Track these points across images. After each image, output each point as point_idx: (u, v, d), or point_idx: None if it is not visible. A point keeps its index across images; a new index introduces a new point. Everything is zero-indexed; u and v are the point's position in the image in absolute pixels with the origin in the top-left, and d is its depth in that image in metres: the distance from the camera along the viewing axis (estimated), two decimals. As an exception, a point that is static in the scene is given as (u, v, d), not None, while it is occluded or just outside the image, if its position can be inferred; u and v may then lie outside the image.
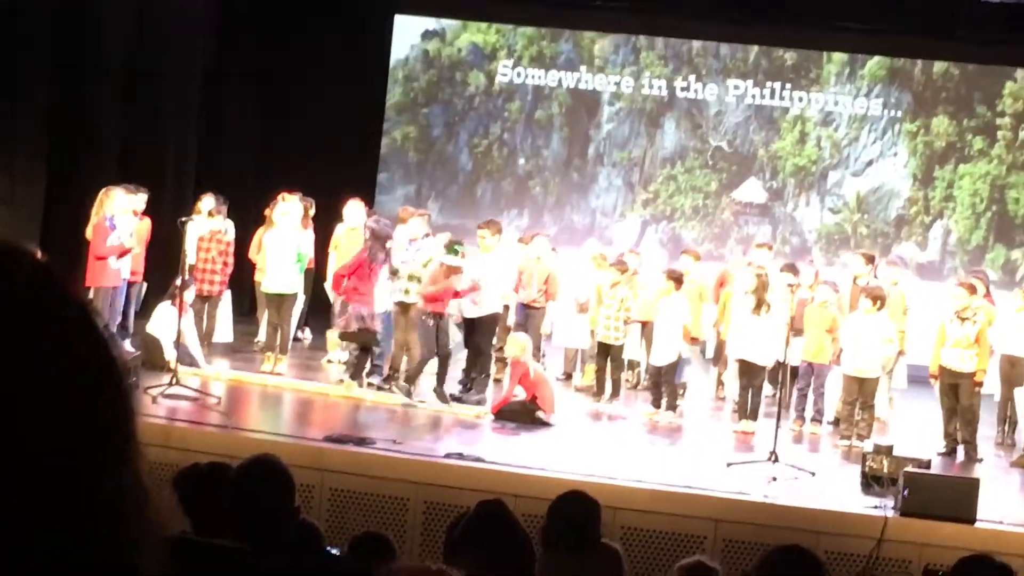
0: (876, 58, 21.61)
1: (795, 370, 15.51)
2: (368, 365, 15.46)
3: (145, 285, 16.82)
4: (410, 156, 22.85)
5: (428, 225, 16.55)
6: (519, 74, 22.57)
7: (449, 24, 22.78)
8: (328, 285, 17.26)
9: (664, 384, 15.55)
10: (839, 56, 21.64)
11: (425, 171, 22.88)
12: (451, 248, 15.38)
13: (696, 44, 22.17)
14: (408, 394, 14.97)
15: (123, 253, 15.23)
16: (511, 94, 22.58)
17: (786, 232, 21.97)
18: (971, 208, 21.43)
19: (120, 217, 15.33)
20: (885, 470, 12.36)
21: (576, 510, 7.35)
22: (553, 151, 22.64)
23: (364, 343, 15.22)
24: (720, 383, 17.34)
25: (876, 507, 11.72)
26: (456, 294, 15.20)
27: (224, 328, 17.51)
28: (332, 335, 16.78)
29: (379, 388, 15.30)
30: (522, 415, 14.38)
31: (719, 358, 17.36)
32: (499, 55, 22.57)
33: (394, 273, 15.45)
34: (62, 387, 0.81)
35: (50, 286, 0.85)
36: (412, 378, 15.10)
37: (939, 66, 21.60)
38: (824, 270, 18.78)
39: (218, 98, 20.33)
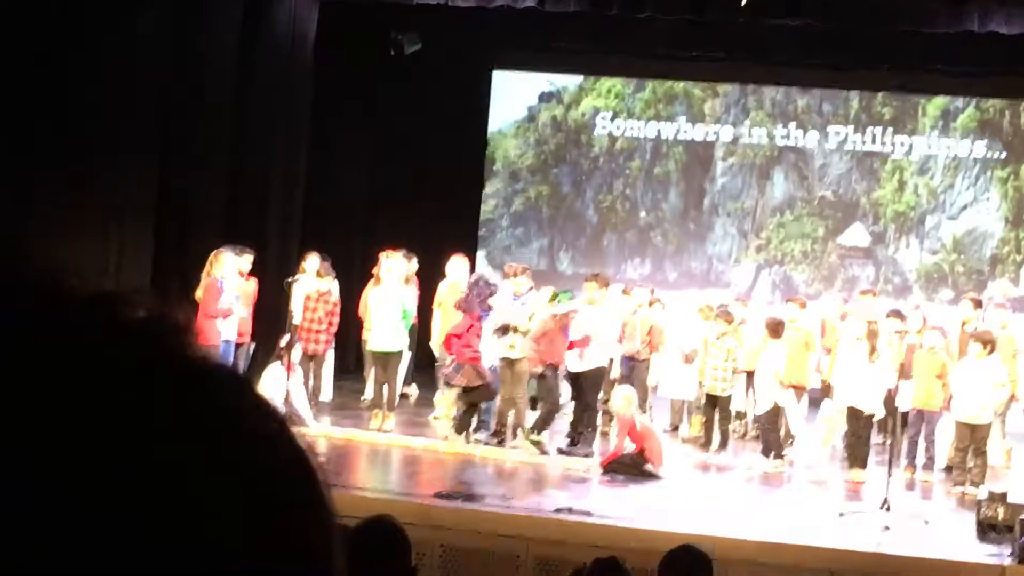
0: (968, 111, 22.26)
1: (905, 417, 15.35)
2: (475, 421, 15.51)
3: (253, 345, 16.96)
4: (543, 212, 24.10)
5: (531, 280, 16.59)
6: (637, 131, 23.50)
7: (564, 87, 23.72)
8: (434, 344, 17.39)
9: (767, 433, 15.46)
10: (933, 110, 22.25)
11: (556, 225, 24.11)
12: (555, 298, 15.44)
13: (801, 103, 22.93)
14: (541, 449, 14.97)
15: (226, 315, 15.38)
16: (631, 153, 23.64)
17: (888, 272, 22.68)
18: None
19: (228, 280, 15.51)
20: (1000, 517, 12.16)
21: (687, 565, 7.32)
22: (671, 203, 23.74)
23: (484, 399, 15.34)
24: (827, 431, 17.16)
25: (993, 555, 11.54)
26: (570, 345, 15.27)
27: (325, 386, 17.62)
28: (442, 397, 16.68)
29: (486, 443, 15.34)
30: (630, 468, 14.32)
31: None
32: (620, 117, 23.58)
33: (501, 330, 15.44)
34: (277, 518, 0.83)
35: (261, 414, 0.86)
36: (542, 428, 15.11)
37: (1027, 116, 22.28)
38: (925, 306, 19.04)
39: (321, 158, 20.52)
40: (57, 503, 0.74)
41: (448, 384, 15.88)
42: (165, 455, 0.77)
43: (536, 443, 15.01)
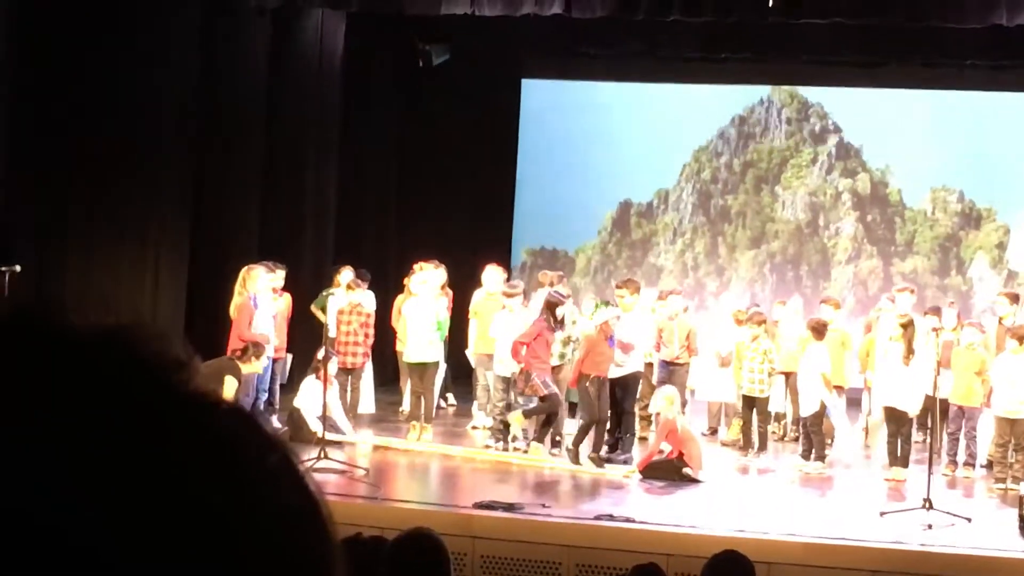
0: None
1: (945, 414, 15.27)
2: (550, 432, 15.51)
3: (290, 357, 17.02)
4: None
5: (567, 287, 16.60)
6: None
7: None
8: (470, 353, 17.36)
9: (812, 435, 15.40)
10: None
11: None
12: (597, 307, 15.35)
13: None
14: (575, 460, 14.84)
15: (264, 342, 15.41)
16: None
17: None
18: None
19: (262, 296, 15.56)
20: (1043, 513, 12.12)
21: (731, 570, 7.29)
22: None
23: (549, 410, 15.26)
24: (867, 431, 17.12)
25: (1036, 551, 11.49)
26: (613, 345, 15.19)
27: (366, 399, 17.62)
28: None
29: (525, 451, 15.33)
30: (670, 472, 14.29)
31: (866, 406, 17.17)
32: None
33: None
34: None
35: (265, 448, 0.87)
36: (577, 444, 14.99)
37: None
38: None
39: (352, 171, 20.59)
40: (57, 539, 0.75)
41: (519, 391, 15.66)
42: (165, 494, 0.77)
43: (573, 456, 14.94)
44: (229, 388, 14.15)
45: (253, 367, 14.83)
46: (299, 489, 0.86)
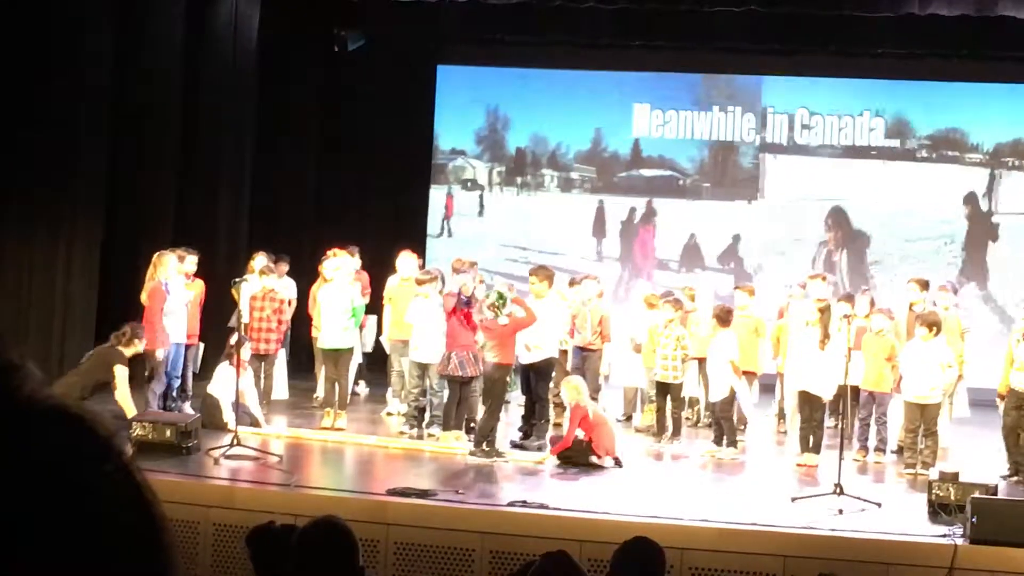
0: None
1: (856, 398, 15.40)
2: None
3: (202, 346, 16.90)
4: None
5: (478, 275, 16.57)
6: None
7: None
8: (384, 339, 17.33)
9: (722, 421, 15.48)
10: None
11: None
12: (496, 307, 15.19)
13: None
14: (490, 455, 14.72)
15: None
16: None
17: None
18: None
19: (173, 282, 15.47)
20: (952, 497, 12.22)
21: (640, 558, 7.31)
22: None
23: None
24: (780, 417, 17.24)
25: (945, 535, 11.59)
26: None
27: (280, 385, 17.53)
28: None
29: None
30: (580, 455, 14.29)
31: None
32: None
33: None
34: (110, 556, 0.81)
35: (100, 456, 0.84)
36: (481, 441, 14.86)
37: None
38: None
39: (267, 156, 20.46)
40: None
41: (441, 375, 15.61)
42: None
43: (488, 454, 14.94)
44: (121, 376, 14.07)
45: (136, 348, 14.65)
46: (133, 497, 0.83)
